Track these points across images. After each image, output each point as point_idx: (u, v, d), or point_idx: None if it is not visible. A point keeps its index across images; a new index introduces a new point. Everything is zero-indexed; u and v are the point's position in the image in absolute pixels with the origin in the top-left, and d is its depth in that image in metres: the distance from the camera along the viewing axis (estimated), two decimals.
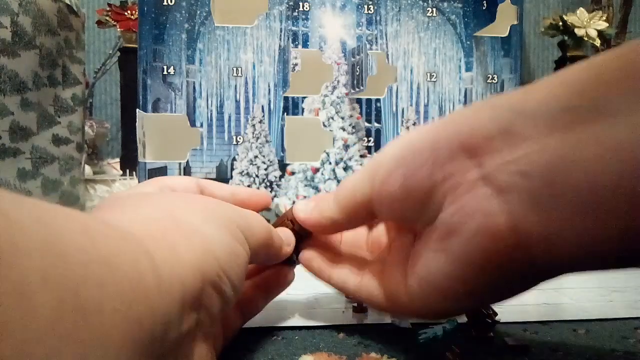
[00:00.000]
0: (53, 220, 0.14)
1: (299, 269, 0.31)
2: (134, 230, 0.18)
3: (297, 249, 0.30)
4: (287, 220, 0.30)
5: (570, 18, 1.01)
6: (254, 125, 0.61)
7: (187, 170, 0.60)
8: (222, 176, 0.60)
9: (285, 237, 0.29)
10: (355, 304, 0.32)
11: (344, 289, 0.29)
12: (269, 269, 0.31)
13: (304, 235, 0.30)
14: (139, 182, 0.60)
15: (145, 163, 0.58)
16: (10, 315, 0.11)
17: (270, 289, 0.30)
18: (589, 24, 0.99)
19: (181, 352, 0.19)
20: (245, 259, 0.23)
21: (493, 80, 0.63)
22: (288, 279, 0.31)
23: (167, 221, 0.21)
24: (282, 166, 0.61)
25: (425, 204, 0.22)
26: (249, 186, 0.60)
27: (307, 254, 0.30)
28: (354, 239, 0.32)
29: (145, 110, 0.59)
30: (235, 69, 0.60)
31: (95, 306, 0.13)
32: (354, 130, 0.62)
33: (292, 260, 0.30)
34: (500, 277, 0.21)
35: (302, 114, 0.61)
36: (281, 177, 0.61)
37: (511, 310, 0.33)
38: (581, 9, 1.02)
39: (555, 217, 0.19)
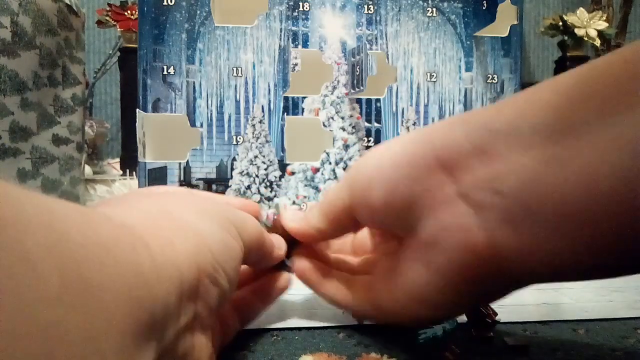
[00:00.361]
0: (55, 205, 0.14)
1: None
2: (130, 222, 0.18)
3: (290, 255, 0.31)
4: (278, 227, 0.31)
5: (570, 18, 1.01)
6: (254, 125, 0.61)
7: (187, 170, 0.60)
8: (222, 176, 0.60)
9: (277, 241, 0.30)
10: None
11: (334, 303, 0.30)
12: (265, 275, 0.31)
13: (295, 242, 0.31)
14: (139, 182, 0.60)
15: (145, 163, 0.59)
16: (19, 280, 0.11)
17: (267, 294, 0.31)
18: (589, 24, 0.99)
19: (181, 345, 0.19)
20: (239, 253, 0.24)
21: (493, 80, 0.63)
22: (284, 285, 0.31)
23: (161, 215, 0.21)
24: (282, 166, 0.61)
25: (406, 216, 0.24)
26: (248, 186, 0.60)
27: (300, 265, 0.31)
28: (341, 243, 0.33)
29: (145, 110, 0.59)
30: (235, 69, 0.60)
31: (98, 284, 0.14)
32: (354, 130, 0.62)
33: (286, 267, 0.31)
34: (480, 286, 0.23)
35: (302, 114, 0.61)
36: (281, 177, 0.61)
37: (511, 310, 0.33)
38: (581, 9, 1.02)
39: (528, 233, 0.20)
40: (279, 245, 0.30)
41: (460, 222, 0.22)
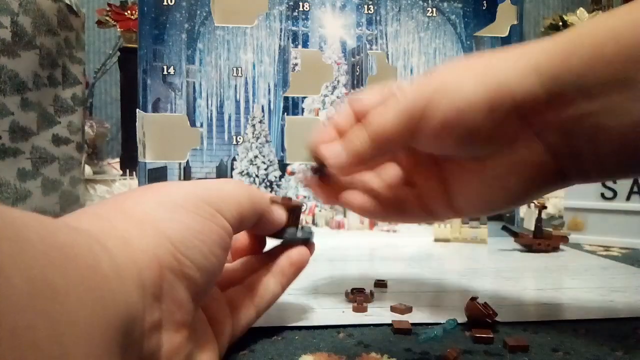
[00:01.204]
0: (14, 214, 0.14)
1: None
2: (84, 226, 0.18)
3: (290, 224, 0.30)
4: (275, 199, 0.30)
5: (570, 18, 1.01)
6: (254, 125, 0.61)
7: (187, 170, 0.60)
8: (222, 176, 0.60)
9: (275, 208, 0.29)
10: (355, 304, 0.32)
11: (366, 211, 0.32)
12: (281, 253, 0.30)
13: (297, 210, 0.30)
14: (139, 182, 0.60)
15: (145, 163, 0.59)
16: None
17: (285, 271, 0.29)
18: None
19: (148, 344, 0.19)
20: (218, 233, 0.22)
21: None
22: (297, 258, 0.29)
23: (116, 215, 0.20)
24: (282, 166, 0.61)
25: (481, 149, 0.28)
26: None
27: (355, 197, 0.31)
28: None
29: (145, 110, 0.59)
30: (235, 69, 0.60)
31: (62, 288, 0.14)
32: None
33: (305, 239, 0.30)
34: (542, 194, 0.29)
35: (302, 114, 0.61)
36: (281, 177, 0.61)
37: (511, 310, 0.33)
38: (581, 9, 1.02)
39: (592, 163, 0.26)
40: (277, 210, 0.29)
41: (535, 157, 0.27)
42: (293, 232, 0.30)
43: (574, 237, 0.58)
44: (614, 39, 0.23)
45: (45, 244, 0.14)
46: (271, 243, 0.31)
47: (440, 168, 0.31)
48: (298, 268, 0.29)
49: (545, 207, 0.58)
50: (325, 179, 0.32)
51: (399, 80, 0.30)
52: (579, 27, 0.26)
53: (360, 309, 0.32)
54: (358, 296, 0.34)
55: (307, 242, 0.30)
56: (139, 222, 0.20)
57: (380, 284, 0.38)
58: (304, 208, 0.31)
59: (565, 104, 0.25)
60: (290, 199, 0.30)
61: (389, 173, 0.32)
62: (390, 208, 0.32)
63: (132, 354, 0.18)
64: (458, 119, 0.26)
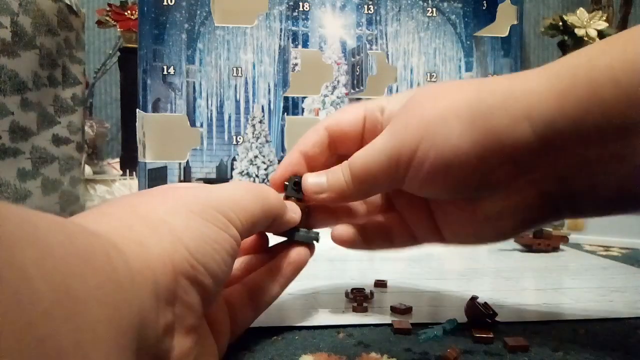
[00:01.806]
0: (36, 219, 0.14)
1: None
2: (102, 230, 0.18)
3: (307, 223, 0.30)
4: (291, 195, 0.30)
5: (570, 18, 1.01)
6: (254, 125, 0.61)
7: (187, 170, 0.60)
8: (222, 176, 0.60)
9: (290, 206, 0.29)
10: (355, 304, 0.32)
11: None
12: (280, 252, 0.30)
13: (310, 207, 0.30)
14: (139, 182, 0.60)
15: (145, 163, 0.58)
16: (19, 295, 0.12)
17: (283, 271, 0.29)
18: (589, 24, 0.99)
19: (161, 348, 0.19)
20: (229, 242, 0.22)
21: None
22: (296, 258, 0.29)
23: (132, 219, 0.20)
24: None
25: (472, 195, 0.27)
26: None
27: (340, 232, 0.31)
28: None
29: (145, 110, 0.59)
30: (235, 69, 0.60)
31: (82, 295, 0.14)
32: None
33: (308, 238, 0.30)
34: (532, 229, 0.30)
35: (302, 114, 0.61)
36: None
37: (511, 310, 0.33)
38: (581, 9, 1.02)
39: (588, 207, 0.26)
40: (292, 209, 0.29)
41: (529, 200, 0.26)
42: (301, 233, 0.30)
43: (574, 237, 0.58)
44: (613, 81, 0.21)
45: (65, 249, 0.14)
46: (274, 240, 0.31)
47: (427, 202, 0.30)
48: (296, 268, 0.29)
49: None
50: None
51: (377, 103, 0.30)
52: (572, 62, 0.23)
53: (360, 309, 0.32)
54: (358, 296, 0.34)
55: (311, 243, 0.30)
56: (156, 227, 0.20)
57: (380, 284, 0.38)
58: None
59: (560, 151, 0.23)
60: (299, 178, 0.30)
61: (374, 201, 0.32)
62: (377, 236, 0.32)
63: (144, 358, 0.18)
64: (446, 169, 0.25)
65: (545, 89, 0.23)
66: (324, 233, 0.31)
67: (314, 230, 0.31)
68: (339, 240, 0.31)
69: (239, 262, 0.30)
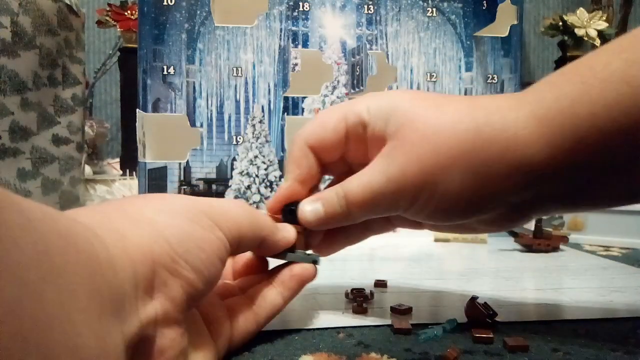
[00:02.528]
0: (18, 198, 0.15)
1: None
2: (82, 219, 0.19)
3: (306, 245, 0.30)
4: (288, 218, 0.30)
5: (570, 18, 1.01)
6: (254, 125, 0.61)
7: (187, 170, 0.60)
8: (222, 176, 0.60)
9: (283, 226, 0.29)
10: (355, 304, 0.32)
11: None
12: (286, 266, 0.30)
13: (307, 232, 0.30)
14: (139, 182, 0.60)
15: (145, 163, 0.59)
16: (10, 257, 0.13)
17: (287, 283, 0.29)
18: (589, 24, 0.99)
19: (143, 337, 0.19)
20: (216, 243, 0.23)
21: (493, 80, 0.63)
22: (301, 272, 0.29)
23: (115, 212, 0.21)
24: (282, 166, 0.61)
25: (467, 222, 0.29)
26: (248, 186, 0.60)
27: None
28: None
29: (145, 110, 0.59)
30: (235, 69, 0.60)
31: (62, 266, 0.15)
32: None
33: (304, 259, 0.30)
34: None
35: (302, 114, 0.61)
36: (281, 177, 0.61)
37: (511, 310, 0.33)
38: (581, 9, 1.02)
39: (556, 211, 0.30)
40: (285, 229, 0.29)
41: (507, 216, 0.28)
42: (297, 255, 0.29)
43: (574, 237, 0.58)
44: (596, 130, 0.23)
45: (48, 226, 0.15)
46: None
47: None
48: (300, 281, 0.29)
49: None
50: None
51: (357, 118, 0.29)
52: (560, 100, 0.25)
53: (360, 310, 0.32)
54: (358, 296, 0.34)
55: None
56: (137, 221, 0.21)
57: (380, 284, 0.38)
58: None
59: (544, 190, 0.26)
60: (294, 205, 0.30)
61: None
62: (356, 229, 0.32)
63: (129, 343, 0.18)
64: (446, 210, 0.27)
65: (537, 138, 0.25)
66: None
67: (312, 252, 0.31)
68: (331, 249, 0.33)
69: (242, 280, 0.30)
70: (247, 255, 0.30)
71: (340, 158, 0.31)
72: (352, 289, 0.35)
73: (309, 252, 0.31)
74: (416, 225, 0.32)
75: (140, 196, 0.25)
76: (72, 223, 0.17)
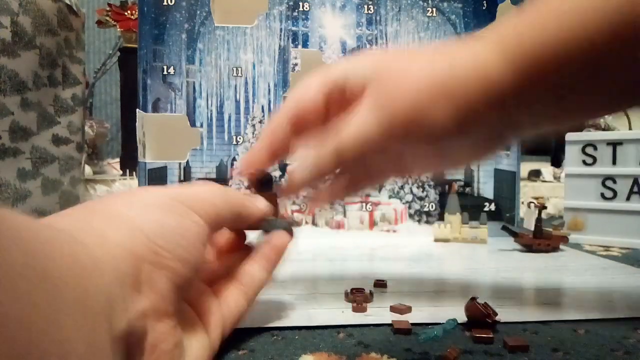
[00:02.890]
0: (2, 210, 0.15)
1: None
2: (62, 227, 0.19)
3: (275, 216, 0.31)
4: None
5: None
6: (254, 125, 0.61)
7: (187, 170, 0.60)
8: (222, 176, 0.60)
9: (252, 198, 0.30)
10: (355, 304, 0.32)
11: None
12: (264, 240, 0.30)
13: (274, 199, 0.31)
14: (139, 182, 0.60)
15: (145, 163, 0.59)
16: (2, 266, 0.13)
17: (267, 255, 0.30)
18: None
19: (134, 333, 0.19)
20: (194, 229, 0.23)
21: None
22: (278, 241, 0.30)
23: (88, 215, 0.21)
24: (282, 166, 0.61)
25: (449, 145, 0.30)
26: (248, 186, 0.60)
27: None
28: None
29: (145, 110, 0.59)
30: (235, 69, 0.60)
31: (49, 272, 0.15)
32: None
33: (280, 224, 0.30)
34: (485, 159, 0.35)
35: None
36: (281, 177, 0.61)
37: (511, 310, 0.33)
38: None
39: (529, 132, 0.31)
40: (257, 200, 0.30)
41: (485, 141, 0.30)
42: (272, 223, 0.30)
43: (574, 237, 0.58)
44: (548, 48, 0.26)
45: (32, 235, 0.15)
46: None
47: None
48: (280, 250, 0.30)
49: (545, 207, 0.58)
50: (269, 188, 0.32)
51: (340, 72, 0.31)
52: (520, 34, 0.27)
53: (359, 308, 0.32)
54: (357, 296, 0.34)
55: (287, 230, 0.31)
56: (113, 220, 0.21)
57: (380, 284, 0.38)
58: (276, 183, 0.32)
59: (520, 111, 0.28)
60: (267, 176, 0.31)
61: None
62: (343, 189, 0.35)
63: (119, 342, 0.18)
64: (432, 140, 0.29)
65: (502, 64, 0.27)
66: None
67: (286, 220, 0.31)
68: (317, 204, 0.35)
69: (224, 260, 0.30)
70: (226, 233, 0.30)
71: (320, 124, 0.32)
72: (352, 289, 0.35)
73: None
74: (402, 168, 0.34)
75: (109, 195, 0.25)
76: (53, 231, 0.17)
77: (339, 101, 0.30)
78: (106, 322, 0.17)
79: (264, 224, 0.30)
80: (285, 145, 0.32)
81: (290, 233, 0.31)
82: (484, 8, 0.63)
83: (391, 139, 0.28)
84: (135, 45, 0.62)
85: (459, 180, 0.61)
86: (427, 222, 0.62)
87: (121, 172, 0.94)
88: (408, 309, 0.32)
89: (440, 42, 0.32)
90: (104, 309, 0.17)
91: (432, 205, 0.62)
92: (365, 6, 0.62)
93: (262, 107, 0.61)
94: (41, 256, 0.15)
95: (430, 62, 0.29)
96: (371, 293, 0.35)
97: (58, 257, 0.16)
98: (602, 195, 0.58)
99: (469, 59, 0.28)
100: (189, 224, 0.23)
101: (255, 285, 0.28)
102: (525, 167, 1.22)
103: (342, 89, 0.30)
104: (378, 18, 0.62)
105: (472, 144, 0.30)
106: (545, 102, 0.28)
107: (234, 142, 0.60)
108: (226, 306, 0.26)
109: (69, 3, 0.57)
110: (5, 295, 0.13)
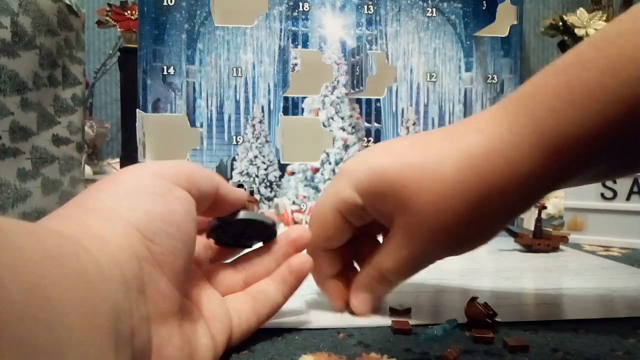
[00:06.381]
0: (5, 223, 0.14)
1: None
2: (66, 231, 0.18)
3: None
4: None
5: (570, 18, 1.01)
6: (254, 125, 0.61)
7: None
8: (222, 176, 0.60)
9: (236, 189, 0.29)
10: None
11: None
12: (283, 261, 0.29)
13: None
14: None
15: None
16: (7, 298, 0.12)
17: (286, 280, 0.28)
18: (589, 24, 0.99)
19: (139, 339, 0.19)
20: (180, 205, 0.22)
21: (493, 80, 0.63)
22: (304, 266, 0.29)
23: (84, 214, 0.20)
24: (282, 166, 0.61)
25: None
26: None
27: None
28: None
29: (145, 110, 0.59)
30: (235, 69, 0.60)
31: (55, 296, 0.14)
32: (353, 130, 0.62)
33: (265, 218, 0.29)
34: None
35: (302, 114, 0.61)
36: (281, 177, 0.61)
37: (511, 310, 0.33)
38: (581, 9, 1.02)
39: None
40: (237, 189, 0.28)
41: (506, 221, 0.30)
42: (253, 213, 0.29)
43: (574, 237, 0.58)
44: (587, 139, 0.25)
45: (36, 252, 0.15)
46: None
47: None
48: (299, 277, 0.29)
49: (545, 207, 0.58)
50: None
51: (348, 204, 0.30)
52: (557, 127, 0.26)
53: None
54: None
55: (269, 228, 0.29)
56: (108, 218, 0.20)
57: None
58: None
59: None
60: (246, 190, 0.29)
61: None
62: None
63: (124, 351, 0.18)
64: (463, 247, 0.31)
65: (539, 162, 0.26)
66: None
67: (270, 217, 0.29)
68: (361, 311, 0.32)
69: (240, 269, 0.29)
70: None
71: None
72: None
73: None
74: None
75: (92, 187, 0.24)
76: (58, 240, 0.17)
77: (361, 215, 0.30)
78: (113, 336, 0.17)
79: (245, 213, 0.28)
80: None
81: (274, 233, 0.29)
82: (484, 8, 0.63)
83: (424, 263, 0.30)
84: (135, 46, 0.62)
85: None
86: None
87: None
88: (408, 310, 0.32)
89: (453, 125, 0.30)
90: (110, 322, 0.17)
91: None
92: (365, 6, 0.61)
93: (262, 107, 0.61)
94: (48, 278, 0.14)
95: (457, 180, 0.26)
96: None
97: (62, 274, 0.15)
98: (602, 195, 0.58)
99: (504, 167, 0.26)
100: (173, 202, 0.22)
101: (268, 306, 0.28)
102: None
103: (361, 209, 0.29)
104: (378, 18, 0.62)
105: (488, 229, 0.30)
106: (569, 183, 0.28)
107: (234, 142, 0.60)
108: (237, 317, 0.26)
109: (69, 3, 0.57)
110: (17, 325, 0.12)
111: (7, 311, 0.12)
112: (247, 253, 0.30)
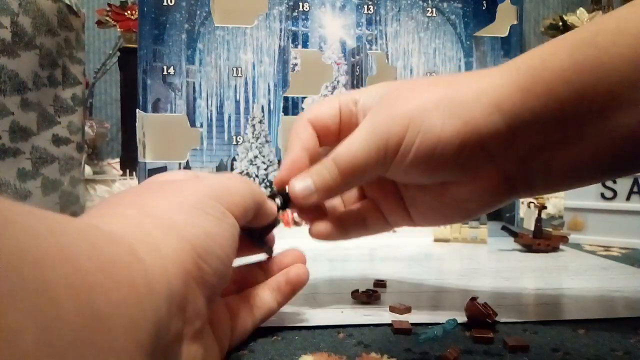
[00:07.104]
0: (60, 227, 0.14)
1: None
2: (120, 232, 0.18)
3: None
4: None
5: (570, 18, 1.01)
6: (254, 125, 0.61)
7: None
8: None
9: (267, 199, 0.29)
10: (361, 293, 0.32)
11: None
12: (280, 269, 0.30)
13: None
14: (139, 182, 0.60)
15: (145, 163, 0.59)
16: (44, 323, 0.11)
17: (282, 289, 0.29)
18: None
19: (170, 355, 0.19)
20: (230, 233, 0.23)
21: None
22: (301, 277, 0.29)
23: (143, 218, 0.20)
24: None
25: (447, 179, 0.29)
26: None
27: (319, 229, 0.32)
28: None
29: (145, 110, 0.59)
30: (235, 69, 0.60)
31: (105, 313, 0.14)
32: None
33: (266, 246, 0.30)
34: (492, 209, 0.32)
35: None
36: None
37: (511, 310, 0.33)
38: (581, 9, 1.02)
39: (540, 182, 0.29)
40: (270, 202, 0.29)
41: (492, 182, 0.29)
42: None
43: (574, 237, 0.58)
44: (565, 83, 0.25)
45: (91, 262, 0.14)
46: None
47: (398, 189, 0.33)
48: (295, 287, 0.29)
49: (545, 207, 0.58)
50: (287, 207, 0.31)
51: (350, 96, 0.31)
52: (528, 63, 0.27)
53: (362, 297, 0.33)
54: (365, 293, 0.34)
55: (271, 228, 0.30)
56: (165, 227, 0.20)
57: (380, 284, 0.38)
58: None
59: (524, 137, 0.27)
60: (286, 194, 0.30)
61: (349, 193, 0.34)
62: (352, 225, 0.33)
63: None
64: (430, 155, 0.28)
65: (510, 84, 0.27)
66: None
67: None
68: (317, 236, 0.32)
69: (237, 274, 0.29)
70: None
71: (335, 139, 0.31)
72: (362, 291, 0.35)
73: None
74: (408, 219, 0.33)
75: (151, 188, 0.24)
76: (113, 248, 0.16)
77: (349, 123, 0.31)
78: (150, 351, 0.16)
79: (264, 230, 0.30)
80: (314, 145, 0.31)
81: (307, 275, 0.30)
82: (484, 8, 0.63)
83: (387, 149, 0.28)
84: (135, 45, 0.62)
85: None
86: None
87: (121, 172, 0.94)
88: (408, 309, 0.32)
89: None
90: (150, 339, 0.16)
91: None
92: (365, 6, 0.61)
93: (262, 107, 0.61)
94: (92, 289, 0.14)
95: (434, 84, 0.29)
96: (378, 293, 0.35)
97: (113, 287, 0.15)
98: (602, 195, 0.58)
99: (473, 80, 0.28)
100: (225, 229, 0.22)
101: (263, 311, 0.28)
102: None
103: (354, 101, 0.31)
104: (378, 18, 0.62)
105: (479, 188, 0.29)
106: (551, 135, 0.27)
107: (234, 142, 0.60)
108: (235, 321, 0.26)
109: (69, 3, 0.57)
110: (60, 343, 0.12)
111: (62, 337, 0.12)
112: (242, 265, 0.30)
